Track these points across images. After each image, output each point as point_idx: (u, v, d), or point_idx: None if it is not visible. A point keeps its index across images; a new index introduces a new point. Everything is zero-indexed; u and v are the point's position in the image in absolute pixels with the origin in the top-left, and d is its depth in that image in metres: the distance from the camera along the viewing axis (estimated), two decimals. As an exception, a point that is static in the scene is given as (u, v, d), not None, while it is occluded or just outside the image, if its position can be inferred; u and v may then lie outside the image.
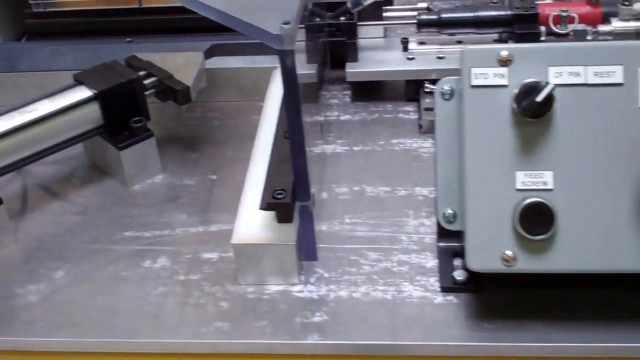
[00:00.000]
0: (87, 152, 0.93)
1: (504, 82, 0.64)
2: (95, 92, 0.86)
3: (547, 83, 0.61)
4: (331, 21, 0.97)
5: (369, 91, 1.00)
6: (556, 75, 0.63)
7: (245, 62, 1.02)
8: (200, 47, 1.01)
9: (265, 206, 0.71)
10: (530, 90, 0.62)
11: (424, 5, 1.00)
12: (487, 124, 0.64)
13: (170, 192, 0.88)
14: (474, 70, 0.64)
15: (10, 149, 0.82)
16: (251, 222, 0.73)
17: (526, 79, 0.63)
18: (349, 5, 0.95)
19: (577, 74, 0.63)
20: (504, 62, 0.64)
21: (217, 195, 0.87)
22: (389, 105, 0.97)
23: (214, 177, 0.89)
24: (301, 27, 0.94)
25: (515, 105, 0.63)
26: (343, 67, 0.98)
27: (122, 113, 0.87)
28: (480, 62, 0.64)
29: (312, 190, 0.72)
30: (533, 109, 0.62)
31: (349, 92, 1.01)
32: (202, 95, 0.96)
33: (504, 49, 0.64)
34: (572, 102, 0.63)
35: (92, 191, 0.89)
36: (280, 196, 0.71)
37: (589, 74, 0.62)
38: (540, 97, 0.61)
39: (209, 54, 1.01)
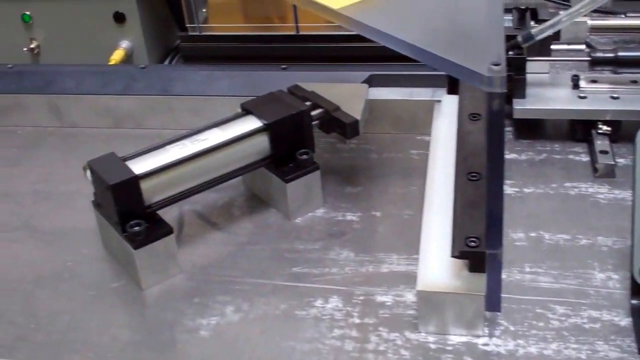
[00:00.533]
0: (246, 181, 0.91)
1: None
2: (266, 122, 0.84)
3: None
4: (500, 55, 0.94)
5: (533, 128, 0.96)
6: None
7: (402, 94, 0.99)
8: (357, 77, 1.00)
9: (458, 254, 0.67)
10: None
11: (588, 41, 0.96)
12: None
13: (334, 228, 0.85)
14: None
15: (182, 178, 0.81)
16: (437, 268, 0.70)
17: None
18: (519, 39, 0.92)
19: None
20: None
21: (383, 234, 0.84)
22: (556, 145, 0.93)
23: (378, 213, 0.87)
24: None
25: None
26: (507, 102, 0.94)
27: (289, 144, 0.86)
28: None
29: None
30: None
31: (510, 128, 0.97)
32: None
33: None
34: None
35: (254, 222, 0.87)
36: (473, 244, 0.68)
37: None
38: None
39: (366, 83, 0.99)
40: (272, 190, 0.88)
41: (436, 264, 0.71)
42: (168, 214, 0.87)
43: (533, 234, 0.81)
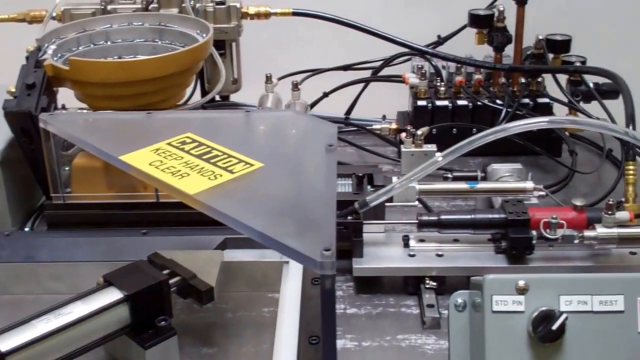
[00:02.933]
0: (107, 346, 0.97)
1: (521, 308, 0.72)
2: (126, 294, 0.91)
3: (561, 312, 0.69)
4: (340, 220, 1.05)
5: (371, 284, 1.07)
6: (567, 303, 0.71)
7: (254, 256, 1.09)
8: (214, 240, 1.09)
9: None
10: (545, 318, 0.70)
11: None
12: (506, 346, 0.72)
13: (191, 390, 0.92)
14: (495, 298, 0.72)
15: (48, 352, 0.86)
16: None
17: (540, 306, 0.71)
18: (356, 206, 1.04)
19: (585, 303, 0.71)
20: (521, 291, 0.72)
21: (239, 393, 0.91)
22: (391, 299, 1.05)
23: (233, 373, 0.94)
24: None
25: (531, 330, 0.71)
26: (347, 257, 1.06)
27: (149, 313, 0.93)
28: (501, 290, 0.72)
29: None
30: (549, 336, 0.70)
31: (352, 283, 1.08)
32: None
33: (521, 279, 0.72)
34: (580, 327, 0.71)
35: (115, 387, 0.93)
36: (311, 406, 0.76)
37: (595, 303, 0.71)
38: (555, 326, 0.69)
39: (221, 246, 1.08)
40: (131, 356, 0.94)
41: None
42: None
43: (370, 387, 0.90)
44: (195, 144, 0.98)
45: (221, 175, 0.90)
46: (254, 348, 0.97)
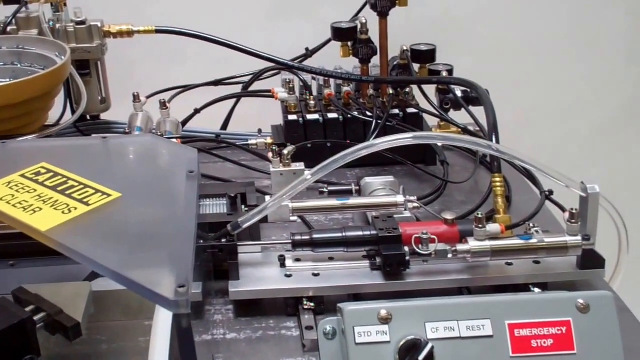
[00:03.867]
0: (-28, 390, 0.92)
1: (386, 338, 0.71)
2: (-14, 336, 0.86)
3: (427, 341, 0.69)
4: (213, 243, 1.03)
5: (251, 306, 1.05)
6: (433, 330, 0.71)
7: (127, 283, 1.05)
8: (84, 269, 1.04)
9: None
10: (412, 347, 0.69)
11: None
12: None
13: None
14: (357, 329, 0.71)
15: None
16: None
17: (406, 334, 0.70)
18: (229, 228, 1.02)
19: (452, 329, 0.71)
20: (384, 320, 0.71)
21: None
22: (271, 321, 1.03)
23: (107, 410, 0.91)
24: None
25: (399, 360, 0.70)
26: (225, 277, 1.04)
27: (14, 353, 0.88)
28: (362, 321, 0.72)
29: None
30: (416, 369, 0.69)
31: (231, 306, 1.06)
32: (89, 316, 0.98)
33: (383, 308, 0.72)
34: (450, 354, 0.71)
35: None
36: None
37: (462, 328, 0.71)
38: (422, 356, 0.68)
39: (92, 276, 1.04)
40: (-3, 400, 0.89)
41: None
42: None
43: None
44: (51, 174, 0.93)
45: (76, 208, 0.86)
46: (129, 382, 0.94)
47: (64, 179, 0.91)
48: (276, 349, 0.99)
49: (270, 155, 1.16)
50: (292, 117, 1.38)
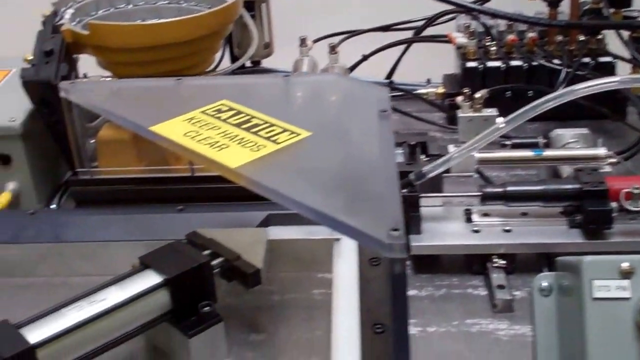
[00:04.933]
0: (147, 335, 0.88)
1: (626, 294, 0.62)
2: (166, 277, 0.82)
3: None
4: (394, 193, 0.96)
5: (431, 263, 0.98)
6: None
7: (300, 233, 0.99)
8: (255, 216, 0.99)
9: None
10: (655, 305, 0.60)
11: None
12: (610, 338, 0.62)
13: (240, 381, 0.83)
14: (596, 283, 0.63)
15: (81, 343, 0.77)
16: None
17: (649, 291, 0.61)
18: (412, 177, 0.94)
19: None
20: (626, 274, 0.63)
21: (292, 384, 0.83)
22: (454, 279, 0.95)
23: (284, 362, 0.85)
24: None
25: (639, 319, 0.61)
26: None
27: (191, 297, 0.84)
28: (601, 274, 0.63)
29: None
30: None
31: (409, 262, 0.98)
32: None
33: (625, 261, 0.63)
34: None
35: (156, 379, 0.84)
36: (384, 405, 0.67)
37: None
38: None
39: (264, 223, 0.99)
40: (174, 344, 0.85)
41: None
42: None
43: (440, 377, 0.81)
44: (233, 112, 0.88)
45: (265, 146, 0.81)
46: (306, 334, 0.88)
47: (247, 117, 0.86)
48: (462, 308, 0.91)
49: (460, 99, 1.07)
50: (471, 64, 1.29)
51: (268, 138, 0.81)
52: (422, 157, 1.04)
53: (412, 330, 0.87)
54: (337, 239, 0.97)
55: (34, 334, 0.75)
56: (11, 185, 1.14)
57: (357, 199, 0.70)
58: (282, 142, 0.81)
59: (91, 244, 1.00)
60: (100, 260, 0.98)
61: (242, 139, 0.81)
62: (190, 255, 0.86)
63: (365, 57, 1.41)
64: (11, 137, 1.12)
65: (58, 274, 1.00)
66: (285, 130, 0.82)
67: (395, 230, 0.62)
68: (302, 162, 0.78)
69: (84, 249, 1.00)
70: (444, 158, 0.93)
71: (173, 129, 0.84)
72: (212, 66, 1.30)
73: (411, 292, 0.94)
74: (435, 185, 1.00)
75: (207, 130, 0.84)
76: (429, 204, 0.99)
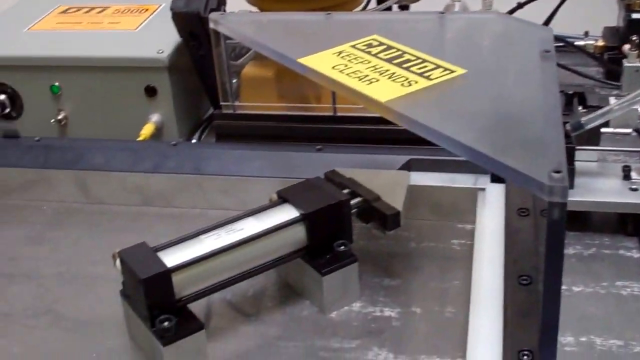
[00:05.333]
0: (279, 269, 0.87)
1: None
2: (303, 212, 0.81)
3: None
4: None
5: (581, 220, 0.92)
6: None
7: (442, 180, 0.95)
8: (396, 160, 0.96)
9: (511, 370, 0.63)
10: None
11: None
12: None
13: (372, 324, 0.81)
14: None
15: (216, 270, 0.77)
16: (486, 381, 0.66)
17: None
18: (568, 128, 0.88)
19: None
20: None
21: (424, 333, 0.79)
22: (606, 239, 0.89)
23: (418, 310, 0.82)
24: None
25: None
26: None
27: (327, 235, 0.82)
28: None
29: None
30: None
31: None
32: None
33: None
34: None
35: (286, 315, 0.83)
36: (526, 358, 0.63)
37: None
38: None
39: (405, 168, 0.95)
40: (306, 282, 0.83)
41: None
42: (196, 303, 0.84)
43: (583, 339, 0.76)
44: (384, 47, 0.85)
45: (416, 82, 0.77)
46: (442, 284, 0.85)
47: (399, 52, 0.82)
48: (612, 269, 0.85)
49: (627, 47, 0.99)
50: (636, 16, 1.20)
51: (420, 74, 0.78)
52: (580, 108, 0.97)
53: (557, 288, 0.82)
54: (482, 189, 0.92)
55: (171, 258, 0.75)
56: (155, 117, 1.15)
57: (516, 139, 0.65)
58: (435, 78, 0.77)
59: (230, 178, 0.99)
60: (237, 194, 0.98)
61: (393, 73, 0.78)
62: (329, 192, 0.83)
63: (520, 5, 1.33)
64: (158, 69, 1.12)
65: (196, 206, 1.01)
66: (438, 67, 0.78)
67: (558, 172, 0.57)
68: (456, 99, 0.74)
69: (222, 182, 1.00)
70: (604, 109, 0.86)
71: (321, 62, 0.82)
72: (360, 8, 1.27)
73: (558, 249, 0.88)
74: (591, 139, 0.94)
75: (357, 64, 0.81)
76: (583, 158, 0.92)
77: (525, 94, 0.72)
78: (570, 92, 0.98)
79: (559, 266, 0.59)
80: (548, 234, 0.58)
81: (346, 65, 0.80)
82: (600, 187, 0.89)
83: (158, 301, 0.74)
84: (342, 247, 0.81)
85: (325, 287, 0.81)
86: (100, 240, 0.96)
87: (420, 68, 0.79)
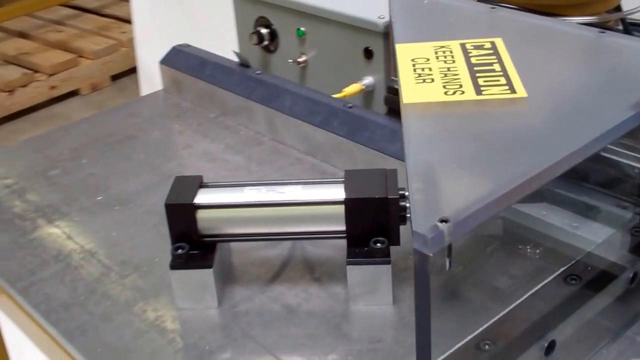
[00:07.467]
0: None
1: None
2: (346, 197, 0.79)
3: None
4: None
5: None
6: None
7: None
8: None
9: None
10: None
11: None
12: None
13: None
14: None
15: (238, 221, 0.81)
16: None
17: None
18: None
19: None
20: None
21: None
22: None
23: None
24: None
25: None
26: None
27: (368, 227, 0.79)
28: None
29: None
30: None
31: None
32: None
33: None
34: None
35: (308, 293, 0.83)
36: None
37: None
38: None
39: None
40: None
41: None
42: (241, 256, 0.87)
43: None
44: (488, 51, 0.76)
45: (463, 92, 0.69)
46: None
47: (494, 60, 0.74)
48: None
49: None
50: None
51: (480, 85, 0.70)
52: None
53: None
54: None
55: (206, 196, 0.80)
56: (366, 80, 1.17)
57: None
58: (487, 94, 0.68)
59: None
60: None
61: (454, 78, 0.71)
62: (383, 186, 0.79)
63: None
64: (375, 33, 1.14)
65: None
66: (506, 84, 0.69)
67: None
68: (467, 121, 0.65)
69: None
70: None
71: (411, 50, 0.78)
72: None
73: None
74: None
75: (440, 61, 0.75)
76: None
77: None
78: None
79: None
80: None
81: (427, 60, 0.76)
82: None
83: (179, 229, 0.80)
84: (378, 245, 0.78)
85: (349, 277, 0.79)
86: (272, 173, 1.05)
87: (488, 80, 0.71)
